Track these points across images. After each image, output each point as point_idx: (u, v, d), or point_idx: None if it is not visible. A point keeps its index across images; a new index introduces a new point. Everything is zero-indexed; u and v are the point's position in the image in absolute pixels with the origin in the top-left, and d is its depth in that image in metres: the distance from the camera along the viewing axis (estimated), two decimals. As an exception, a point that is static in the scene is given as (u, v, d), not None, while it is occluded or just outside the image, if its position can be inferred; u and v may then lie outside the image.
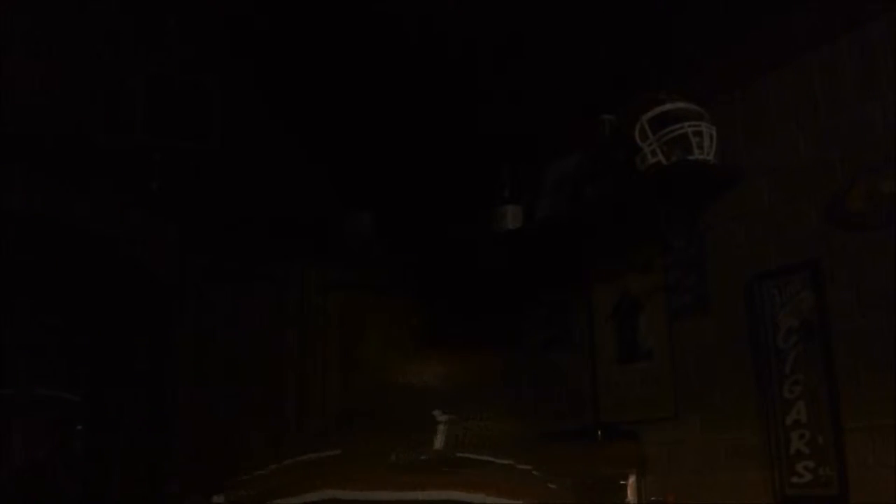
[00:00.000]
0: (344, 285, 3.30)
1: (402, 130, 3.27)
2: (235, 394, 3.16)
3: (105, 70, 3.26)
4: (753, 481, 2.34)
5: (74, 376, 3.83)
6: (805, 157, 2.34)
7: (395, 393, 1.10)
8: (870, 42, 2.20)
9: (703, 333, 2.57)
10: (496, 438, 1.04)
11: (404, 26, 2.94)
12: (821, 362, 2.20)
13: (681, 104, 2.38)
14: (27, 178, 3.12)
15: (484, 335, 3.32)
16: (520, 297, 3.22)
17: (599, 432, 2.74)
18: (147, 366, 3.50)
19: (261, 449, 3.09)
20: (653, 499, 2.53)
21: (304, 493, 1.02)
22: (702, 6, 2.43)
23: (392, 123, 3.26)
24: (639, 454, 2.63)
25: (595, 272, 2.97)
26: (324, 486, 1.00)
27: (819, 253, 2.26)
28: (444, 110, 3.12)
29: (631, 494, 2.58)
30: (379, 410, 1.07)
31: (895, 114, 2.11)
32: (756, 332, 2.39)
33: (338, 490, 0.99)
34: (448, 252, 3.24)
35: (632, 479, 2.59)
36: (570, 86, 2.83)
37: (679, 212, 2.60)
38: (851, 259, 2.18)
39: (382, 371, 3.08)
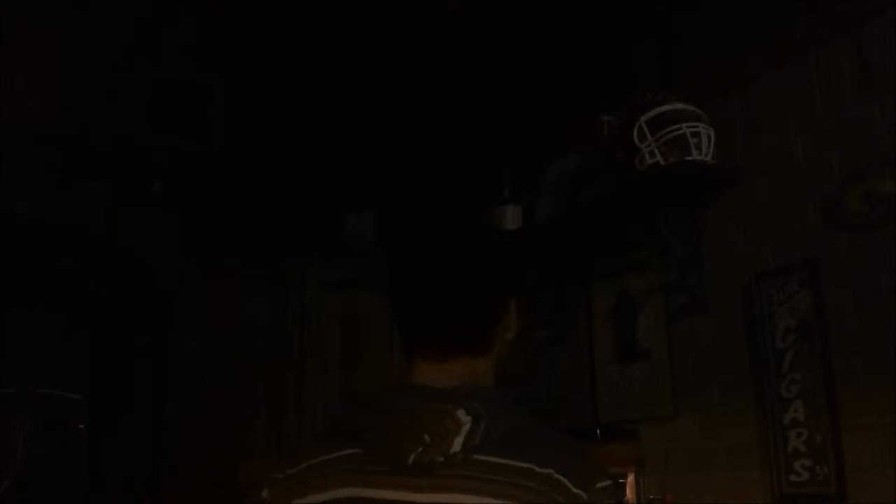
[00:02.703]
0: (344, 285, 3.31)
1: (403, 130, 3.27)
2: (235, 393, 3.17)
3: (106, 70, 3.27)
4: (751, 480, 2.35)
5: (74, 376, 3.83)
6: (803, 158, 2.35)
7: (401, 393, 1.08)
8: (867, 43, 2.22)
9: (701, 333, 2.58)
10: (517, 440, 1.01)
11: (404, 27, 2.95)
12: (818, 361, 2.21)
13: (679, 105, 2.39)
14: (28, 178, 3.12)
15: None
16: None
17: (598, 432, 2.75)
18: (147, 366, 3.50)
19: (261, 449, 3.10)
20: (651, 497, 2.54)
21: (329, 489, 1.00)
22: (701, 7, 2.44)
23: (392, 124, 3.26)
24: (637, 453, 2.64)
25: (594, 272, 2.98)
26: (346, 485, 0.99)
27: (817, 253, 2.27)
28: (445, 110, 3.13)
29: (630, 493, 2.59)
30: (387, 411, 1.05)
31: (893, 114, 2.12)
32: (754, 332, 2.40)
33: (358, 489, 0.98)
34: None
35: (630, 478, 2.61)
36: (570, 86, 2.84)
37: (678, 212, 2.61)
38: (849, 259, 2.19)
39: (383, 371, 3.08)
